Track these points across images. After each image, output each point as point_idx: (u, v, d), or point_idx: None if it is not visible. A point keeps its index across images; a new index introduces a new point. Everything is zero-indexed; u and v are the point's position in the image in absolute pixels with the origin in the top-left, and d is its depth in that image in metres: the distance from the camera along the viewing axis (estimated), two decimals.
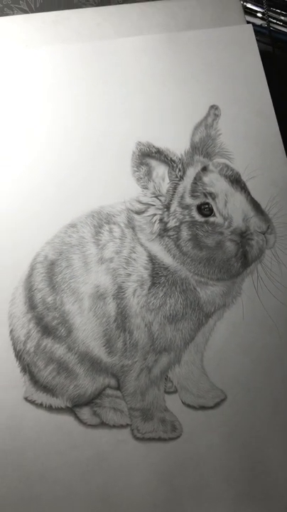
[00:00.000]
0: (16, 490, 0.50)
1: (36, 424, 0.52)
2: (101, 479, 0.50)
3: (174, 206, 0.54)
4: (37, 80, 0.62)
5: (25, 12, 0.70)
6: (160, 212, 0.54)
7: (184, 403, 0.54)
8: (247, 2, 0.76)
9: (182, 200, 0.54)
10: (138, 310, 0.53)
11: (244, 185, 0.55)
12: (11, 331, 0.54)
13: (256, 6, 0.76)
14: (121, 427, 0.53)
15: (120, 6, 0.68)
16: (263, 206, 0.55)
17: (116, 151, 0.59)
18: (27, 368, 0.54)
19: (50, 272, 0.54)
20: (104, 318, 0.53)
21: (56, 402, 0.53)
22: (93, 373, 0.54)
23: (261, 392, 0.54)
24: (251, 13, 0.76)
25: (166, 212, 0.54)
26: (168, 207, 0.54)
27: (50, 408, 0.53)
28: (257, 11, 0.76)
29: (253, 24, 0.68)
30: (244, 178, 0.56)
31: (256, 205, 0.54)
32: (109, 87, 0.62)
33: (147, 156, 0.53)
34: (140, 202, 0.55)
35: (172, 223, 0.54)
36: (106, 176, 0.59)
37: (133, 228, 0.55)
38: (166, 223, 0.54)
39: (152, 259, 0.54)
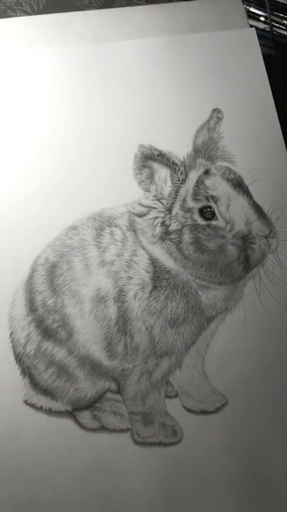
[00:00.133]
0: (15, 493, 0.50)
1: (36, 427, 0.51)
2: (101, 483, 0.50)
3: (176, 209, 0.54)
4: (39, 82, 0.62)
5: (28, 14, 0.70)
6: (162, 215, 0.54)
7: (185, 408, 0.53)
8: (250, 6, 0.76)
9: (184, 203, 0.54)
10: (139, 313, 0.53)
11: (247, 188, 0.55)
12: (11, 334, 0.54)
13: (259, 10, 0.76)
14: (122, 431, 0.52)
15: (123, 8, 0.68)
16: (265, 210, 0.55)
17: (118, 154, 0.59)
18: (27, 371, 0.53)
19: (50, 274, 0.54)
20: (105, 321, 0.53)
21: (56, 405, 0.53)
22: (93, 377, 0.53)
23: (262, 396, 0.53)
24: (254, 17, 0.76)
25: (168, 216, 0.54)
26: (169, 210, 0.54)
27: (49, 411, 0.52)
28: (260, 15, 0.76)
29: (256, 28, 0.68)
30: (246, 181, 0.56)
31: (258, 209, 0.54)
32: (111, 90, 0.62)
33: (149, 158, 0.53)
34: (142, 205, 0.55)
35: (174, 226, 0.54)
36: (108, 178, 0.58)
37: (134, 231, 0.55)
38: (168, 226, 0.54)
39: (153, 262, 0.54)
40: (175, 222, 0.54)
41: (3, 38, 0.64)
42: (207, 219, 0.53)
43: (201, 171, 0.55)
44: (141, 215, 0.55)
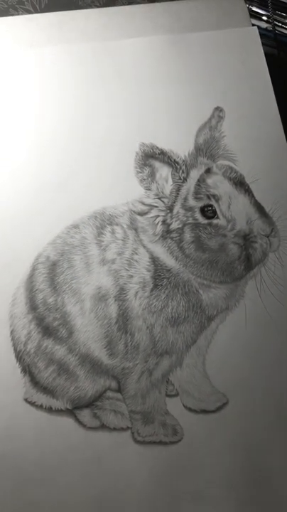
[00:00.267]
0: (15, 492, 0.50)
1: (36, 425, 0.51)
2: (101, 482, 0.50)
3: (177, 208, 0.54)
4: (40, 81, 0.62)
5: (30, 13, 0.70)
6: (163, 213, 0.54)
7: (185, 407, 0.53)
8: (253, 5, 0.76)
9: (185, 201, 0.54)
10: (139, 312, 0.53)
11: (248, 187, 0.55)
12: (12, 332, 0.54)
13: (262, 9, 0.76)
14: (122, 429, 0.52)
15: (125, 7, 0.68)
16: (267, 209, 0.55)
17: (119, 152, 0.59)
18: (27, 369, 0.53)
19: (51, 272, 0.54)
20: (106, 319, 0.53)
21: (56, 403, 0.53)
22: (94, 375, 0.53)
23: (263, 396, 0.53)
24: (256, 16, 0.76)
25: (169, 214, 0.54)
26: (171, 208, 0.54)
27: (50, 410, 0.52)
28: (262, 14, 0.76)
29: (259, 27, 0.68)
30: (247, 180, 0.56)
31: (259, 208, 0.54)
32: (113, 88, 0.62)
33: (150, 157, 0.53)
34: (143, 203, 0.55)
35: (175, 225, 0.53)
36: (109, 176, 0.58)
37: (135, 229, 0.55)
38: (169, 225, 0.54)
39: (154, 260, 0.54)
40: (176, 220, 0.54)
41: (5, 37, 0.64)
42: (208, 218, 0.53)
43: (202, 169, 0.55)
44: (142, 214, 0.55)
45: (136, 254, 0.54)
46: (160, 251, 0.54)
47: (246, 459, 0.51)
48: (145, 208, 0.55)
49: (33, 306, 0.54)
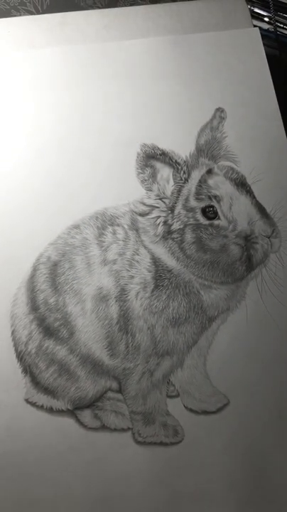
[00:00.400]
0: (15, 492, 0.50)
1: (37, 426, 0.51)
2: (102, 483, 0.50)
3: (178, 209, 0.54)
4: (42, 81, 0.62)
5: (32, 14, 0.70)
6: (164, 214, 0.54)
7: (186, 407, 0.53)
8: (254, 7, 0.76)
9: (186, 202, 0.54)
10: (140, 312, 0.53)
11: (249, 188, 0.55)
12: (13, 332, 0.54)
13: (263, 10, 0.76)
14: (122, 430, 0.52)
15: (126, 8, 0.68)
16: (268, 210, 0.55)
17: (120, 153, 0.59)
18: (28, 370, 0.53)
19: (52, 273, 0.54)
20: (107, 320, 0.53)
21: (57, 404, 0.53)
22: (94, 376, 0.53)
23: (264, 397, 0.53)
24: (258, 17, 0.76)
25: (170, 215, 0.54)
26: (172, 209, 0.54)
27: (50, 410, 0.52)
28: (264, 15, 0.76)
29: (260, 28, 0.68)
30: (249, 181, 0.56)
31: (261, 209, 0.54)
32: (115, 89, 0.62)
33: (152, 157, 0.53)
34: (144, 204, 0.55)
35: (176, 226, 0.53)
36: (111, 177, 0.58)
37: (136, 230, 0.55)
38: (170, 226, 0.54)
39: (155, 261, 0.54)
40: (177, 221, 0.54)
41: (6, 37, 0.64)
42: (209, 218, 0.53)
43: (204, 170, 0.55)
44: (143, 214, 0.55)
45: (137, 254, 0.54)
46: (162, 252, 0.54)
47: (247, 460, 0.51)
48: (146, 209, 0.55)
49: (34, 306, 0.54)
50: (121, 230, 0.55)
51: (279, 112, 0.62)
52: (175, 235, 0.53)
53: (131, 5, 0.72)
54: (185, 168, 0.54)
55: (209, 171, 0.55)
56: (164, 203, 0.54)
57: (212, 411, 0.53)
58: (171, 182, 0.54)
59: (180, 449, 0.51)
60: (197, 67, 0.64)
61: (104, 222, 0.55)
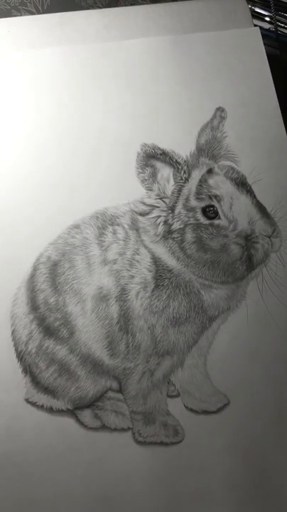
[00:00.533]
0: (16, 492, 0.50)
1: (37, 426, 0.51)
2: (102, 483, 0.50)
3: (179, 208, 0.54)
4: (42, 81, 0.62)
5: (33, 14, 0.70)
6: (164, 214, 0.54)
7: (186, 407, 0.53)
8: (255, 6, 0.76)
9: (187, 202, 0.53)
10: (141, 312, 0.53)
11: (250, 188, 0.55)
12: (13, 332, 0.54)
13: (264, 9, 0.76)
14: (123, 430, 0.52)
15: (126, 8, 0.68)
16: (268, 209, 0.55)
17: (121, 153, 0.59)
18: (28, 369, 0.53)
19: (52, 272, 0.54)
20: (107, 320, 0.53)
21: (57, 404, 0.53)
22: (95, 375, 0.53)
23: (264, 397, 0.53)
24: (259, 17, 0.76)
25: (171, 215, 0.54)
26: (172, 209, 0.54)
27: (50, 410, 0.52)
28: (265, 15, 0.76)
29: (261, 28, 0.68)
30: (249, 180, 0.56)
31: (261, 208, 0.54)
32: (115, 89, 0.62)
33: (152, 157, 0.53)
34: (144, 203, 0.55)
35: (176, 225, 0.53)
36: (111, 177, 0.58)
37: (137, 230, 0.55)
38: (170, 225, 0.54)
39: (156, 261, 0.54)
40: (177, 221, 0.53)
41: (6, 38, 0.64)
42: (209, 218, 0.53)
43: (204, 170, 0.55)
44: (143, 214, 0.55)
45: (138, 254, 0.54)
46: (162, 251, 0.54)
47: (247, 460, 0.51)
48: (146, 209, 0.55)
49: (34, 306, 0.54)
50: (122, 230, 0.55)
51: (280, 111, 0.62)
52: (175, 235, 0.53)
53: (132, 5, 0.72)
54: (185, 167, 0.54)
55: (210, 171, 0.54)
56: (164, 202, 0.54)
57: (212, 411, 0.53)
58: (171, 182, 0.54)
59: (181, 449, 0.51)
60: (197, 66, 0.63)
61: (105, 221, 0.55)
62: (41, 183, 0.58)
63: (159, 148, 0.53)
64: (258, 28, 0.66)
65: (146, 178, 0.54)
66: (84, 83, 0.62)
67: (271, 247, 0.53)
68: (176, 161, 0.54)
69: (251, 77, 0.64)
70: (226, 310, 0.55)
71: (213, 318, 0.54)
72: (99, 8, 0.71)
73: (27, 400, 0.52)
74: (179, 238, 0.53)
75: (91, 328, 0.53)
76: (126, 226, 0.55)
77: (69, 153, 0.59)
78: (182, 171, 0.54)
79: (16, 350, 0.54)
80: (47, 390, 0.53)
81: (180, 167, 0.54)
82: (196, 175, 0.54)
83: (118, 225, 0.55)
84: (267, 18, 0.76)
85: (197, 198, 0.53)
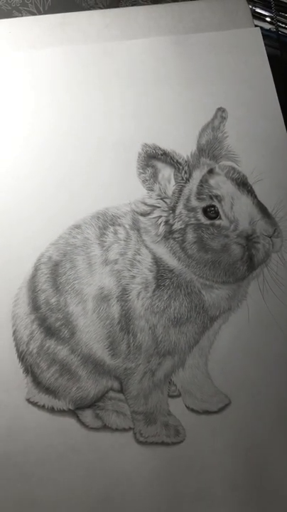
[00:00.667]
0: (17, 492, 0.49)
1: (38, 426, 0.51)
2: (103, 483, 0.50)
3: (179, 208, 0.54)
4: (43, 82, 0.62)
5: (34, 14, 0.70)
6: (165, 214, 0.54)
7: (187, 407, 0.53)
8: (256, 6, 0.76)
9: (187, 202, 0.53)
10: (142, 312, 0.53)
11: (251, 188, 0.55)
12: (14, 332, 0.54)
13: (265, 10, 0.76)
14: (124, 430, 0.52)
15: (128, 8, 0.68)
16: (269, 209, 0.55)
17: (122, 153, 0.59)
18: (29, 369, 0.53)
19: (54, 273, 0.54)
20: (108, 320, 0.53)
21: (58, 404, 0.53)
22: (96, 376, 0.53)
23: (265, 397, 0.53)
24: (259, 17, 0.76)
25: (172, 215, 0.54)
26: (173, 209, 0.54)
27: (52, 410, 0.52)
28: (266, 15, 0.76)
29: (262, 28, 0.68)
30: (250, 181, 0.56)
31: (262, 209, 0.54)
32: (116, 89, 0.62)
33: (153, 157, 0.53)
34: (145, 204, 0.55)
35: (177, 225, 0.53)
36: (112, 177, 0.58)
37: (138, 230, 0.55)
38: (171, 225, 0.54)
39: (157, 261, 0.54)
40: (178, 221, 0.53)
41: (7, 38, 0.64)
42: (210, 218, 0.53)
43: (205, 170, 0.55)
44: (144, 214, 0.55)
45: (139, 254, 0.54)
46: (163, 251, 0.54)
47: (248, 460, 0.51)
48: (147, 209, 0.55)
49: (35, 306, 0.54)
50: (123, 230, 0.55)
51: (280, 111, 0.62)
52: (176, 235, 0.53)
53: (133, 5, 0.72)
54: (186, 168, 0.54)
55: (211, 171, 0.54)
56: (165, 202, 0.54)
57: (213, 411, 0.53)
58: (172, 182, 0.54)
59: (182, 449, 0.51)
60: (198, 67, 0.64)
61: (106, 222, 0.55)
62: (42, 183, 0.58)
63: (160, 148, 0.53)
64: (258, 28, 0.66)
65: (147, 178, 0.54)
66: (85, 83, 0.62)
67: (272, 247, 0.53)
68: (177, 161, 0.54)
69: (252, 78, 0.64)
70: (227, 310, 0.55)
71: (214, 319, 0.54)
72: (100, 8, 0.71)
73: (28, 400, 0.52)
74: (180, 238, 0.53)
75: (92, 328, 0.53)
76: (127, 226, 0.55)
77: (70, 154, 0.59)
78: (183, 171, 0.54)
79: (17, 350, 0.54)
80: (48, 390, 0.53)
81: (181, 167, 0.54)
82: (197, 175, 0.54)
83: (119, 225, 0.55)
84: (268, 19, 0.76)
85: (198, 198, 0.53)
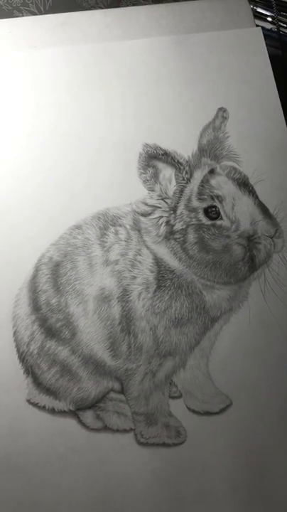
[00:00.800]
0: (17, 493, 0.49)
1: (38, 426, 0.51)
2: (104, 484, 0.50)
3: (181, 209, 0.54)
4: (44, 82, 0.62)
5: (34, 14, 0.70)
6: (166, 214, 0.54)
7: (188, 408, 0.53)
8: (257, 6, 0.76)
9: (189, 202, 0.53)
10: (143, 313, 0.53)
11: (252, 188, 0.55)
12: (15, 333, 0.54)
13: (266, 10, 0.76)
14: (125, 431, 0.52)
15: (129, 8, 0.68)
16: (271, 210, 0.54)
17: (122, 153, 0.59)
18: (30, 370, 0.53)
19: (54, 273, 0.54)
20: (109, 320, 0.53)
21: (59, 405, 0.53)
22: (97, 376, 0.53)
23: (267, 398, 0.53)
24: (260, 17, 0.76)
25: (173, 215, 0.54)
26: (174, 209, 0.54)
27: (52, 411, 0.52)
28: (267, 15, 0.76)
29: (263, 28, 0.68)
30: (251, 181, 0.56)
31: (263, 209, 0.53)
32: (117, 89, 0.62)
33: (154, 158, 0.53)
34: (146, 204, 0.55)
35: (178, 226, 0.53)
36: (113, 177, 0.58)
37: (139, 230, 0.54)
38: (172, 226, 0.54)
39: (158, 261, 0.54)
40: (179, 221, 0.53)
41: (8, 38, 0.64)
42: (211, 219, 0.53)
43: (206, 170, 0.54)
44: (145, 215, 0.55)
45: (140, 255, 0.54)
46: (164, 252, 0.54)
47: (249, 461, 0.51)
48: (148, 209, 0.55)
49: (36, 306, 0.54)
50: (123, 231, 0.55)
51: (282, 111, 0.62)
52: (177, 235, 0.53)
53: (134, 5, 0.72)
54: (187, 168, 0.54)
55: (212, 171, 0.54)
56: (166, 203, 0.54)
57: (214, 412, 0.53)
58: (173, 182, 0.54)
59: (183, 450, 0.51)
60: (199, 66, 0.63)
61: (106, 222, 0.55)
62: (43, 184, 0.58)
63: (161, 148, 0.53)
64: (260, 28, 0.66)
65: (148, 178, 0.54)
66: (86, 83, 0.62)
67: (273, 247, 0.53)
68: (178, 161, 0.53)
69: (253, 77, 0.64)
70: (228, 311, 0.54)
71: (215, 319, 0.54)
72: (101, 8, 0.71)
73: (29, 401, 0.52)
74: (181, 239, 0.53)
75: (93, 329, 0.53)
76: (127, 227, 0.55)
77: (70, 154, 0.59)
78: (184, 172, 0.54)
79: (18, 351, 0.54)
80: (49, 391, 0.53)
81: (181, 167, 0.54)
82: (198, 175, 0.54)
83: (120, 225, 0.55)
84: (269, 19, 0.76)
85: (199, 199, 0.53)
